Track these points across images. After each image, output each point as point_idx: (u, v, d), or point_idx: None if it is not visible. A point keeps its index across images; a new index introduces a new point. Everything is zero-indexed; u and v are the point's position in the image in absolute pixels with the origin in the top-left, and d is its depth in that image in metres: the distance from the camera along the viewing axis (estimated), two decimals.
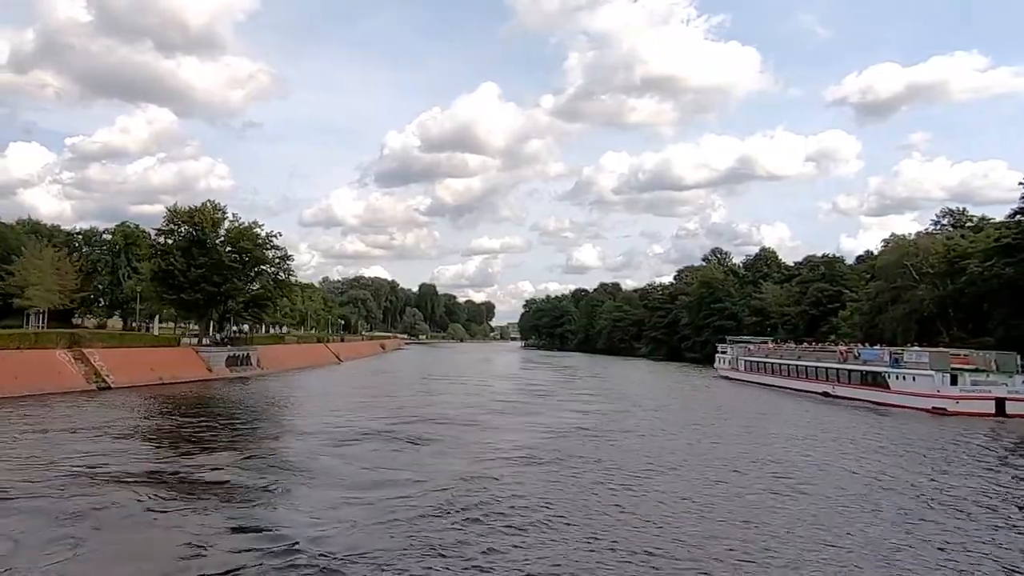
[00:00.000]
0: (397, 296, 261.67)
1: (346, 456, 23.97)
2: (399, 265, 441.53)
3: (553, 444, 27.18)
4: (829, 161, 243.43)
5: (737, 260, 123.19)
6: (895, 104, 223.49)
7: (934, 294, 61.42)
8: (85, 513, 15.91)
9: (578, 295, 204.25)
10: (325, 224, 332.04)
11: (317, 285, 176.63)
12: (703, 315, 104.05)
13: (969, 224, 70.94)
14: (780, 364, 61.38)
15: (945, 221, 75.47)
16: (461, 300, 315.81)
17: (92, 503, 16.72)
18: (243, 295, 65.76)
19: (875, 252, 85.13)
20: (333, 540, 14.51)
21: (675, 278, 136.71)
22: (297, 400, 45.31)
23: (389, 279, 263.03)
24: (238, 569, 12.81)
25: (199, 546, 13.95)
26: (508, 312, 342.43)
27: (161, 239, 63.19)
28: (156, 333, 71.77)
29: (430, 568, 13.14)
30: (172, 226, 61.91)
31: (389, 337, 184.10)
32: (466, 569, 13.17)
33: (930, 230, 74.24)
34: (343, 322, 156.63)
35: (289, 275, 72.45)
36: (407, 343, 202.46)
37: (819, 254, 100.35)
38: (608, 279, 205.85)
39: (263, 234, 65.16)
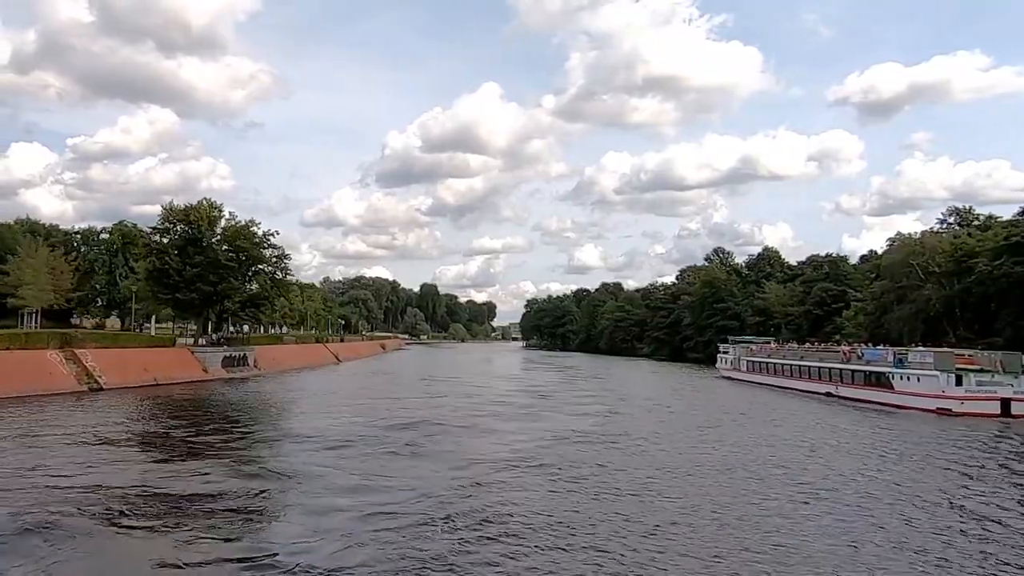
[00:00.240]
0: (398, 296, 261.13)
1: (339, 462, 23.14)
2: (400, 265, 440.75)
3: (555, 449, 26.43)
4: (831, 161, 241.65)
5: (739, 260, 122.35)
6: (897, 104, 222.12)
7: (941, 294, 60.58)
8: (57, 524, 15.06)
9: (580, 295, 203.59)
10: (326, 224, 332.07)
11: (318, 285, 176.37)
12: (706, 315, 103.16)
13: (976, 223, 70.17)
14: (783, 364, 60.52)
15: (951, 220, 74.60)
16: (462, 300, 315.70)
17: (66, 513, 15.89)
18: (240, 295, 64.74)
19: (879, 252, 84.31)
20: (317, 553, 13.68)
21: (677, 278, 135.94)
22: (292, 402, 44.53)
23: (390, 279, 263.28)
24: None
25: (171, 564, 13.11)
26: (510, 312, 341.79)
27: (156, 238, 62.39)
28: (152, 333, 71.14)
29: None
30: (168, 224, 61.11)
31: (390, 337, 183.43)
32: None
33: (936, 229, 73.37)
34: (343, 322, 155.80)
35: (287, 274, 71.80)
36: (408, 343, 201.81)
37: (822, 254, 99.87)
38: (610, 279, 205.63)
39: (260, 233, 64.57)
